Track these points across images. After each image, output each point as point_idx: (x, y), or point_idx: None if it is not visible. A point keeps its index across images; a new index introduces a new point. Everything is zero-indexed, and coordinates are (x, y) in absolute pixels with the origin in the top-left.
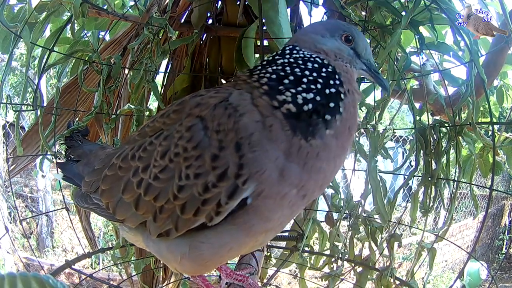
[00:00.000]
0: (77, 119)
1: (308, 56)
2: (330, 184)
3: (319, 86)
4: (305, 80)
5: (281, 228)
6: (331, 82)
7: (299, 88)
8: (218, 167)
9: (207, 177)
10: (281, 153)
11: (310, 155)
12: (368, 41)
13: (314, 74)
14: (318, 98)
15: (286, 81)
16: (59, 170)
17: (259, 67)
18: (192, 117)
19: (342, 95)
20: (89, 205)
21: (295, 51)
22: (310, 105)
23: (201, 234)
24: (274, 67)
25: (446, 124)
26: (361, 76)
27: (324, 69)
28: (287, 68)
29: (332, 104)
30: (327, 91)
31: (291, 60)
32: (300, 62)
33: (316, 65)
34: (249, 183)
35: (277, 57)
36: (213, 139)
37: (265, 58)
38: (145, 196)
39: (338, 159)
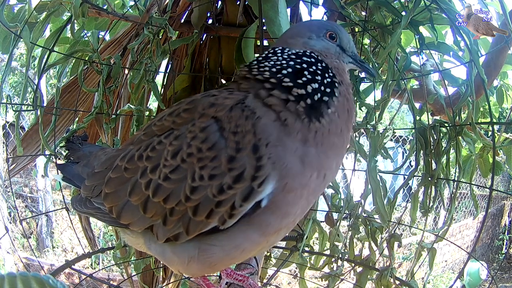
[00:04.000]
0: (76, 119)
1: (302, 52)
2: (330, 184)
3: (318, 77)
4: (306, 72)
5: (293, 225)
6: (326, 74)
7: (305, 79)
8: (234, 169)
9: (223, 178)
10: (299, 142)
11: (324, 133)
12: (368, 41)
13: (313, 67)
14: (322, 87)
15: (290, 69)
16: (58, 171)
17: (255, 62)
18: (206, 117)
19: (336, 84)
20: (89, 210)
21: (286, 50)
22: (319, 94)
23: (211, 237)
24: (273, 62)
25: (446, 124)
26: (350, 69)
27: (319, 64)
28: (284, 62)
29: (328, 90)
30: (325, 81)
31: (285, 57)
32: (294, 57)
33: (312, 60)
34: (266, 184)
35: (270, 55)
36: (230, 140)
37: (257, 56)
38: (154, 197)
39: (345, 133)
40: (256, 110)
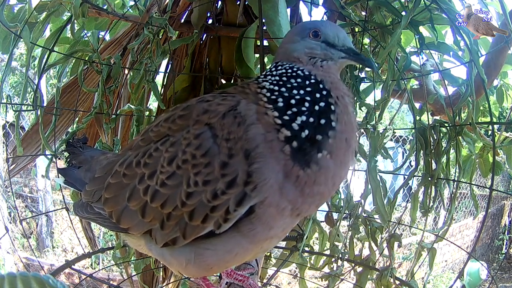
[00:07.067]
0: (77, 119)
1: (290, 71)
2: None
3: (307, 104)
4: (293, 101)
5: (284, 234)
6: (318, 95)
7: (289, 112)
8: (227, 175)
9: (216, 184)
10: (281, 169)
11: (308, 183)
12: (368, 41)
13: (301, 92)
14: (311, 119)
15: (280, 104)
16: (60, 175)
17: (263, 79)
18: (200, 124)
19: (332, 106)
20: (90, 215)
21: (279, 67)
22: (307, 131)
23: (206, 241)
24: (269, 86)
25: (446, 124)
26: (346, 65)
27: (307, 82)
28: (276, 88)
29: (323, 121)
30: (316, 107)
31: (277, 78)
32: (285, 79)
33: (299, 80)
34: (257, 191)
35: (268, 74)
36: (223, 147)
37: (266, 71)
38: (152, 203)
39: (337, 177)
40: (247, 118)
